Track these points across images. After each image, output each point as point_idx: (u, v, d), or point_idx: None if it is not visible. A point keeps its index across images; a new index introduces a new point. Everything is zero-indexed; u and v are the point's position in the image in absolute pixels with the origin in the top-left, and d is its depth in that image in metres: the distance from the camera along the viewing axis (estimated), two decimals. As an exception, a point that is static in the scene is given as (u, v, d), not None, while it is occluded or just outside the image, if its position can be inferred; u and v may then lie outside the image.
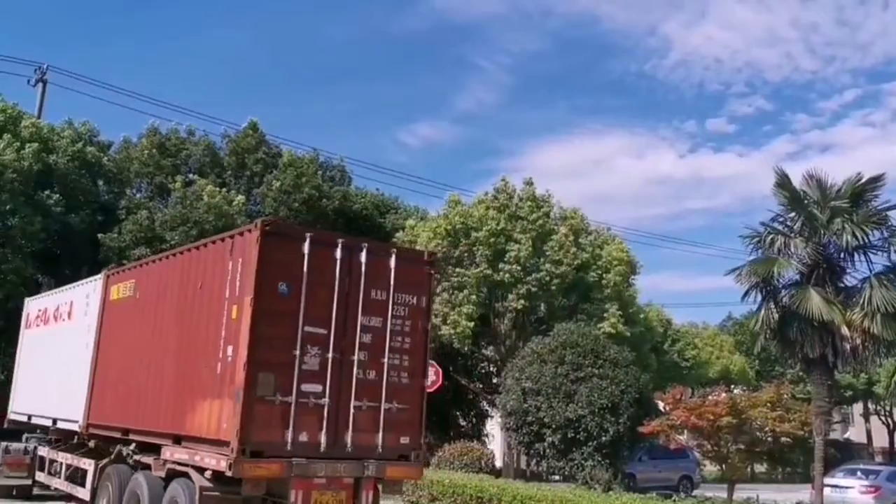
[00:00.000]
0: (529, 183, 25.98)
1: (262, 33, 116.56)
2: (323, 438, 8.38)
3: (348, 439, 8.56)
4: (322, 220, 27.11)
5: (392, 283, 9.03)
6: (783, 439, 18.15)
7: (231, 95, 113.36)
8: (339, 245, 8.78)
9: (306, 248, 8.45)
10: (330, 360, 8.49)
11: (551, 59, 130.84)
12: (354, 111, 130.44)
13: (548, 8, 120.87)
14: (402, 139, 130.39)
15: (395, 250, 9.57)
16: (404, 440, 9.04)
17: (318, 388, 8.41)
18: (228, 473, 7.86)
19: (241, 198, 24.32)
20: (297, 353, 8.29)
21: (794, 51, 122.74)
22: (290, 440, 8.15)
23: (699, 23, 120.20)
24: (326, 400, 8.43)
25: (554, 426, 17.75)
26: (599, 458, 17.57)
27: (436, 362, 22.13)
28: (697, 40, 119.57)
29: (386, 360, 8.93)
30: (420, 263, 9.63)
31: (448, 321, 23.35)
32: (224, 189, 24.53)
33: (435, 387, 21.72)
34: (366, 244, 9.08)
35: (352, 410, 8.60)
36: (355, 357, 8.70)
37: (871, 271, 16.64)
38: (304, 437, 8.27)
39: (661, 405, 21.09)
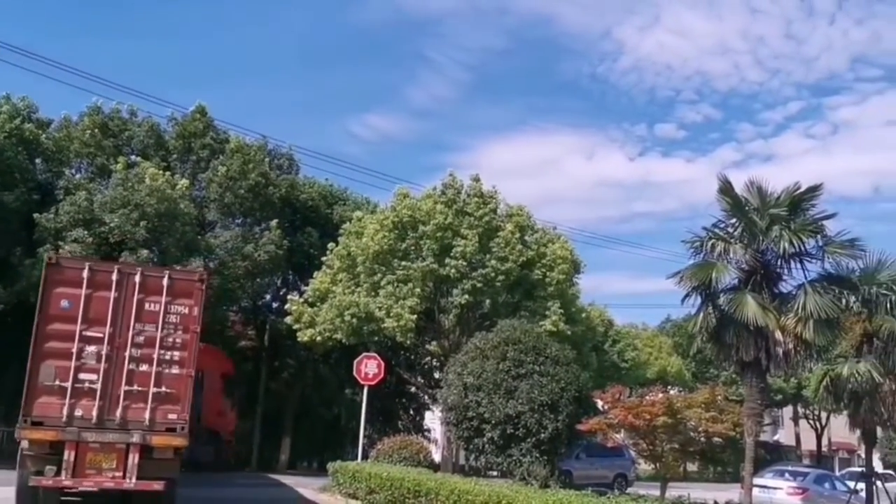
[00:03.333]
0: (476, 179, 26.05)
1: (215, 15, 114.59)
2: (95, 413, 11.21)
3: (118, 414, 11.34)
4: (268, 208, 26.75)
5: (164, 296, 11.82)
6: (715, 439, 18.60)
7: (179, 78, 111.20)
8: (116, 270, 11.87)
9: (86, 273, 11.54)
10: (104, 355, 11.39)
11: (507, 57, 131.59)
12: (307, 100, 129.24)
13: (504, 6, 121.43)
14: (354, 130, 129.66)
15: (167, 272, 12.41)
16: (171, 416, 11.63)
17: (93, 376, 11.31)
18: (16, 437, 11.18)
19: (184, 181, 23.80)
20: (75, 350, 11.23)
21: (742, 61, 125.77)
22: (66, 414, 11.06)
23: (652, 29, 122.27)
24: (100, 385, 11.30)
25: (494, 422, 17.79)
26: (537, 455, 17.68)
27: (378, 356, 22.13)
28: (650, 46, 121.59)
29: (156, 354, 11.63)
30: (192, 280, 12.28)
31: (392, 314, 23.26)
32: (168, 172, 23.97)
33: (377, 380, 21.74)
34: (140, 268, 12.25)
35: (122, 393, 11.42)
36: (128, 353, 11.55)
37: (805, 278, 17.07)
38: (79, 413, 11.16)
39: (599, 404, 21.38)
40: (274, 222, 25.95)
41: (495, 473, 19.87)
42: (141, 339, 11.64)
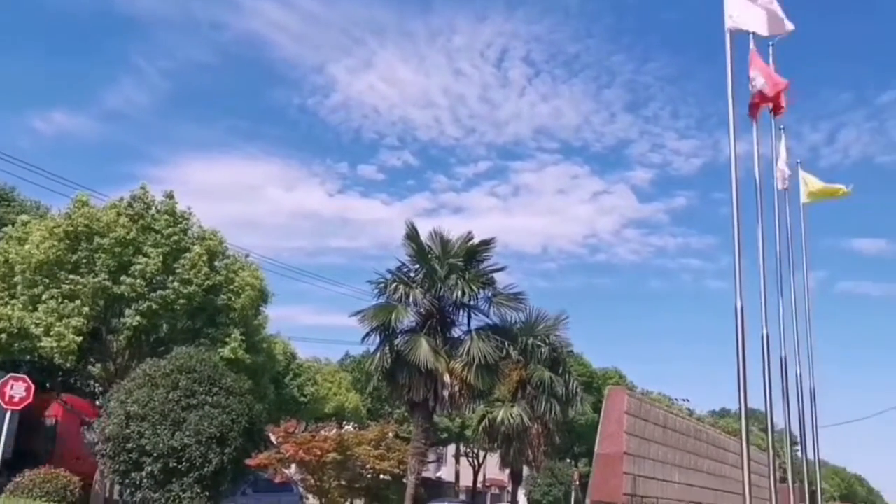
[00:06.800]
0: (170, 196, 24.59)
1: None
2: None
3: None
4: None
5: None
6: (382, 476, 19.22)
7: None
8: None
9: None
10: None
11: (215, 73, 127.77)
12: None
13: (220, 22, 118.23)
14: (31, 124, 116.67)
15: None
16: None
17: None
18: None
19: None
20: None
21: (442, 116, 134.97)
22: None
23: (364, 72, 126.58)
24: None
25: (155, 454, 16.62)
26: (199, 490, 16.79)
27: (29, 378, 19.77)
28: (360, 88, 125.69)
29: None
30: None
31: (52, 333, 20.95)
32: None
33: (24, 404, 19.39)
34: None
35: None
36: None
37: (470, 326, 18.56)
38: None
39: (273, 438, 21.06)
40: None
41: (152, 510, 18.58)
42: None
